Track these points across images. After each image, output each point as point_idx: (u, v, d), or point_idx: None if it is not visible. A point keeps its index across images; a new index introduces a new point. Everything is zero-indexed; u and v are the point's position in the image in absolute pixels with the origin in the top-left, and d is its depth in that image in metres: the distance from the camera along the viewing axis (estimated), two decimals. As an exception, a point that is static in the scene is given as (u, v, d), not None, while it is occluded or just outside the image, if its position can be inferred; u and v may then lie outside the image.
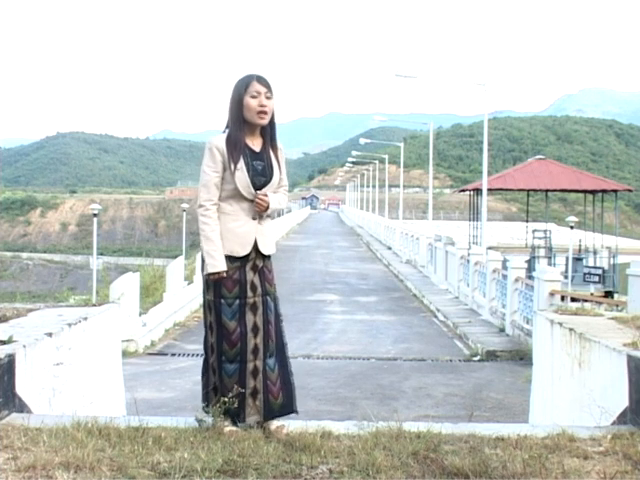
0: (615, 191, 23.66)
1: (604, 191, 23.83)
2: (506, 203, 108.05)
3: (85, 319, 4.82)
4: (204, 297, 3.66)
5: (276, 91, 3.64)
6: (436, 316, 16.97)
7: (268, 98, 3.62)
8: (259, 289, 3.60)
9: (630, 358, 3.84)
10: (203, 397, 3.66)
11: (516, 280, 13.93)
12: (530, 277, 13.91)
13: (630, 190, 26.66)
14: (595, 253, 22.76)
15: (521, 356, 11.92)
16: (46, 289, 62.18)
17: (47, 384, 4.11)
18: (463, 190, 28.11)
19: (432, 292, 20.47)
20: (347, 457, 3.11)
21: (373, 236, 46.80)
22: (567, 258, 18.23)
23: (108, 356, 5.41)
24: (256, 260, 3.63)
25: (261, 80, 3.62)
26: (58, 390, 4.23)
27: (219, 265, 3.51)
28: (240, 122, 3.63)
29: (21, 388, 3.74)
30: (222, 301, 3.54)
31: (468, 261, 18.40)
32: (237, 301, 3.55)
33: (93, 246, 15.91)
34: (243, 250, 3.58)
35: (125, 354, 9.84)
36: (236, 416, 3.50)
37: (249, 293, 3.57)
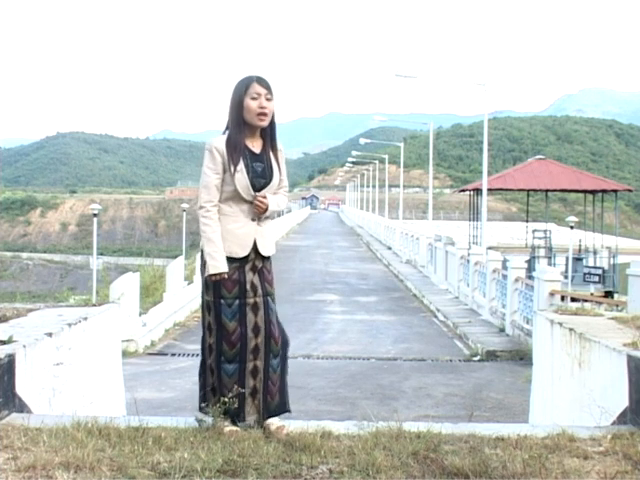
0: (615, 191, 23.67)
1: (604, 191, 23.84)
2: (506, 203, 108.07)
3: (85, 319, 4.82)
4: (203, 298, 3.66)
5: (276, 91, 3.64)
6: (436, 316, 16.97)
7: (268, 100, 3.62)
8: (259, 289, 3.60)
9: (630, 358, 3.84)
10: (201, 398, 3.66)
11: (516, 280, 13.93)
12: (530, 277, 13.91)
13: (630, 190, 26.67)
14: (595, 253, 22.76)
15: (521, 356, 11.92)
16: (46, 289, 62.19)
17: (47, 384, 4.11)
18: (463, 190, 28.12)
19: (432, 292, 20.47)
20: (347, 457, 3.11)
21: (373, 236, 46.80)
22: (567, 258, 18.24)
23: (108, 356, 5.41)
24: (255, 261, 3.63)
25: (261, 81, 3.62)
26: (58, 390, 4.23)
27: (220, 266, 3.51)
28: (240, 124, 3.63)
29: (21, 388, 3.74)
30: (222, 301, 3.55)
31: (468, 261, 18.40)
32: (237, 301, 3.55)
33: (93, 246, 15.92)
34: (242, 251, 3.58)
35: (125, 354, 9.84)
36: (236, 416, 3.51)
37: (249, 293, 3.57)
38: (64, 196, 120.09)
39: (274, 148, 3.72)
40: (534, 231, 24.86)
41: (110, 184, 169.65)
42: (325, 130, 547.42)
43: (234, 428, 3.46)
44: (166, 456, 3.03)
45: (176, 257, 17.44)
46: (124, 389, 5.80)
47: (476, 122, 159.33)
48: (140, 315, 13.02)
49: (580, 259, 21.82)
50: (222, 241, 3.55)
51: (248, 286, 3.58)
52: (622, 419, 3.83)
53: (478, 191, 23.38)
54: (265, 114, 3.61)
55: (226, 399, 3.42)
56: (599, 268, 20.69)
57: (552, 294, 11.75)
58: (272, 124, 3.68)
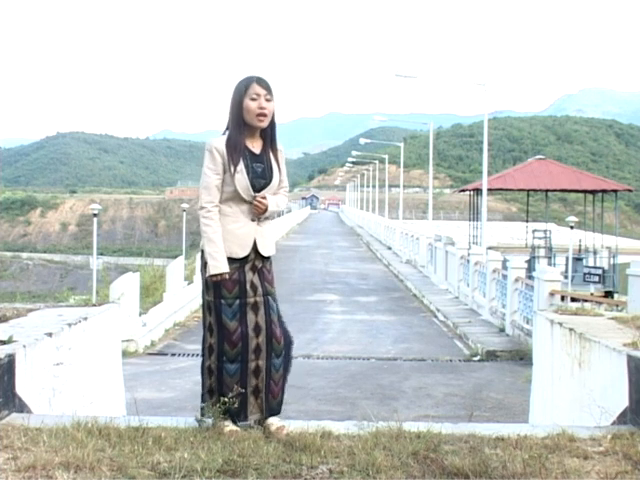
0: (615, 191, 23.67)
1: (604, 191, 23.84)
2: (506, 203, 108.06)
3: (85, 319, 4.82)
4: (203, 298, 3.67)
5: (276, 91, 3.63)
6: (436, 316, 16.97)
7: (268, 100, 3.62)
8: (259, 289, 3.60)
9: (630, 358, 3.84)
10: (202, 398, 3.67)
11: (516, 280, 13.93)
12: (530, 277, 13.91)
13: (630, 190, 26.67)
14: (595, 253, 22.76)
15: (521, 356, 11.92)
16: (46, 289, 62.18)
17: (47, 384, 4.11)
18: (463, 190, 28.12)
19: (432, 292, 20.48)
20: (347, 457, 3.11)
21: (373, 236, 46.80)
22: (567, 258, 18.24)
23: (108, 356, 5.41)
24: (255, 261, 3.63)
25: (261, 82, 3.62)
26: (58, 390, 4.23)
27: (221, 267, 3.52)
28: (240, 124, 3.63)
29: (21, 388, 3.74)
30: (222, 302, 3.55)
31: (468, 261, 18.41)
32: (237, 301, 3.55)
33: (93, 246, 15.92)
34: (242, 251, 3.59)
35: (125, 354, 9.84)
36: (237, 415, 3.51)
37: (249, 293, 3.57)
38: (64, 196, 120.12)
39: (274, 148, 3.72)
40: (534, 231, 24.86)
41: (110, 184, 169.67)
42: (325, 130, 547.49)
43: (234, 428, 3.46)
44: (166, 456, 3.03)
45: (176, 257, 17.44)
46: (124, 389, 5.80)
47: (476, 122, 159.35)
48: (140, 315, 13.03)
49: (580, 259, 21.82)
50: (223, 241, 3.56)
51: (248, 286, 3.58)
52: (622, 419, 3.83)
53: (478, 191, 23.38)
54: (264, 115, 3.61)
55: (226, 399, 3.42)
56: (599, 268, 20.69)
57: (552, 294, 11.75)
58: (272, 124, 3.68)
